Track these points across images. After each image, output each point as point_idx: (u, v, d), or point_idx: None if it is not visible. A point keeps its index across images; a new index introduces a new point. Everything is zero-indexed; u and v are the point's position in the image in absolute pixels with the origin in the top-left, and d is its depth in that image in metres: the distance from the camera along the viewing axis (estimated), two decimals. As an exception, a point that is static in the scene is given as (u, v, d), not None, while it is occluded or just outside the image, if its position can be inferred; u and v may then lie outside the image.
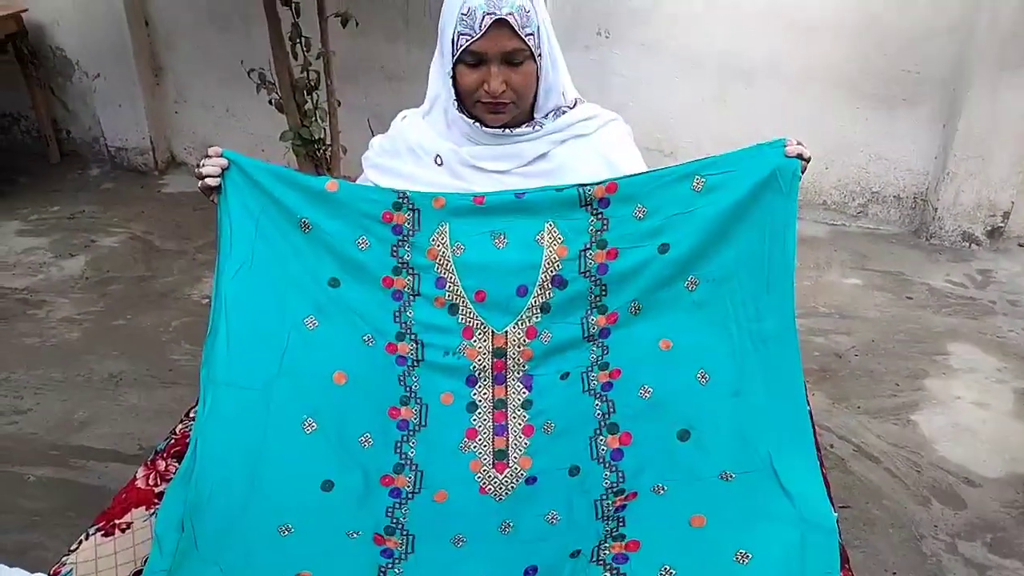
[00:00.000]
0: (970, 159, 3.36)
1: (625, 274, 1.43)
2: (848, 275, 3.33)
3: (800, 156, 1.37)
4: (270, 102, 3.03)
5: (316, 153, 3.05)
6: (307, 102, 3.00)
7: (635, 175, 1.44)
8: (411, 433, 1.43)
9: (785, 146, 1.37)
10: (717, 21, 3.54)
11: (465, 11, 1.34)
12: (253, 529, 1.25)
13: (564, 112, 1.51)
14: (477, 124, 1.46)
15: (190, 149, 4.47)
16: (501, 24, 1.33)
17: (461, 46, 1.36)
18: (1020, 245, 3.55)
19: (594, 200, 1.42)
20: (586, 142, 1.51)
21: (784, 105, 3.60)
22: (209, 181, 1.41)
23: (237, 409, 1.36)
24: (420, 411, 1.44)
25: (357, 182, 1.65)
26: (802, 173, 1.37)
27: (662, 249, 1.42)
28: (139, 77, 4.18)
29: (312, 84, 2.98)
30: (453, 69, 1.41)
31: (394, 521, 1.33)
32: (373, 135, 1.66)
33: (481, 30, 1.33)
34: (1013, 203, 3.42)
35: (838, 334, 2.91)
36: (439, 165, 1.51)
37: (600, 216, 1.43)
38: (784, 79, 3.57)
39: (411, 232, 1.46)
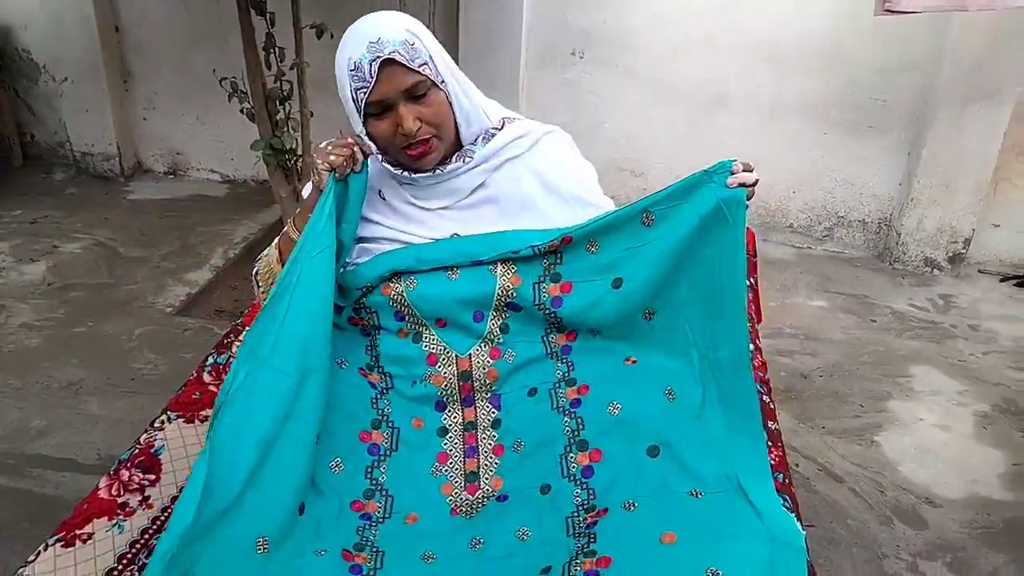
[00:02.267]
0: (934, 187, 3.43)
1: (579, 309, 1.43)
2: (814, 297, 3.38)
3: (744, 184, 1.34)
4: (242, 111, 3.01)
5: (287, 163, 3.03)
6: (279, 112, 2.98)
7: (587, 225, 1.42)
8: (382, 458, 1.41)
9: (731, 171, 1.34)
10: (691, 49, 3.59)
11: (352, 67, 1.31)
12: (236, 533, 1.21)
13: (493, 135, 1.47)
14: (407, 174, 1.42)
15: (157, 156, 4.43)
16: (389, 64, 1.30)
17: (362, 100, 1.33)
18: (980, 271, 3.63)
19: (548, 251, 1.42)
20: (521, 162, 1.48)
21: (754, 130, 3.66)
22: (332, 162, 1.35)
23: (269, 392, 1.29)
24: (391, 435, 1.43)
25: None
26: (749, 199, 1.35)
27: (616, 284, 1.42)
28: (108, 83, 4.14)
29: (285, 94, 2.97)
30: (365, 127, 1.38)
31: (363, 539, 1.31)
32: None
33: (372, 77, 1.30)
34: (974, 230, 3.50)
35: (804, 355, 2.94)
36: (383, 200, 1.49)
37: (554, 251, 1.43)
38: (755, 105, 3.63)
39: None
